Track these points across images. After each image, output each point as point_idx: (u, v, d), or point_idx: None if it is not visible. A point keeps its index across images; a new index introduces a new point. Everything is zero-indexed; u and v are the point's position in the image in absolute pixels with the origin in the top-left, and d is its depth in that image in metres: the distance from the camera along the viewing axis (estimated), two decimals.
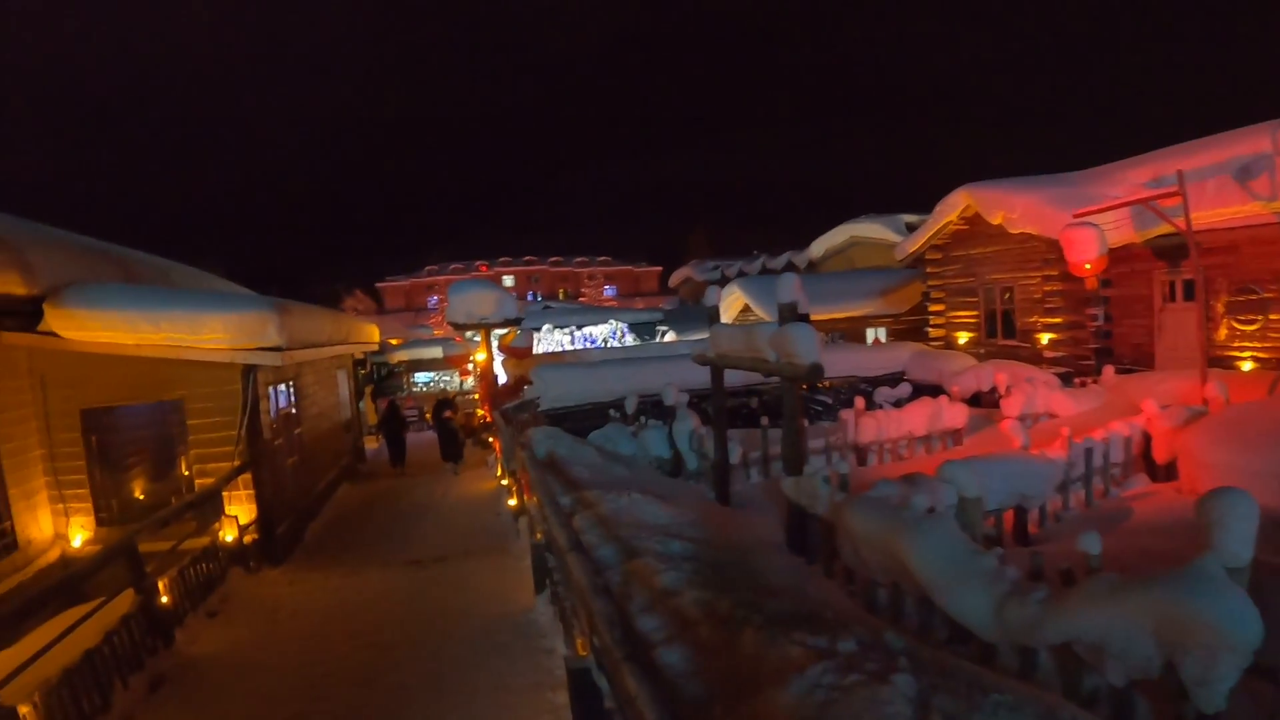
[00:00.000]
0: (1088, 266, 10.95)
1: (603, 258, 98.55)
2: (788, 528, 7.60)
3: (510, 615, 7.29)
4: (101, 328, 8.75)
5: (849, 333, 23.82)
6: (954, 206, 18.11)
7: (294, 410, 12.24)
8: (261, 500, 9.57)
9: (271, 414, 10.65)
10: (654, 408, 14.71)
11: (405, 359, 34.03)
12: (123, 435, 9.59)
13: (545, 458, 9.26)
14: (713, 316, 10.62)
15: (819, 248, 33.65)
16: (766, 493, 10.06)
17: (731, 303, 25.40)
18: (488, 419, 17.87)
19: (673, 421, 12.33)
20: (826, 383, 18.08)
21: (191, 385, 9.63)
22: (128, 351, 8.95)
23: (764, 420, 11.66)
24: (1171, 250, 13.51)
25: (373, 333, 18.79)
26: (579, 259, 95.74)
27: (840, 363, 17.01)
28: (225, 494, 9.23)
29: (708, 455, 11.49)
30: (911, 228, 24.46)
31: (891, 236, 25.91)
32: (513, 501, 10.38)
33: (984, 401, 14.03)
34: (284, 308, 9.73)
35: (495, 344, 18.98)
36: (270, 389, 10.75)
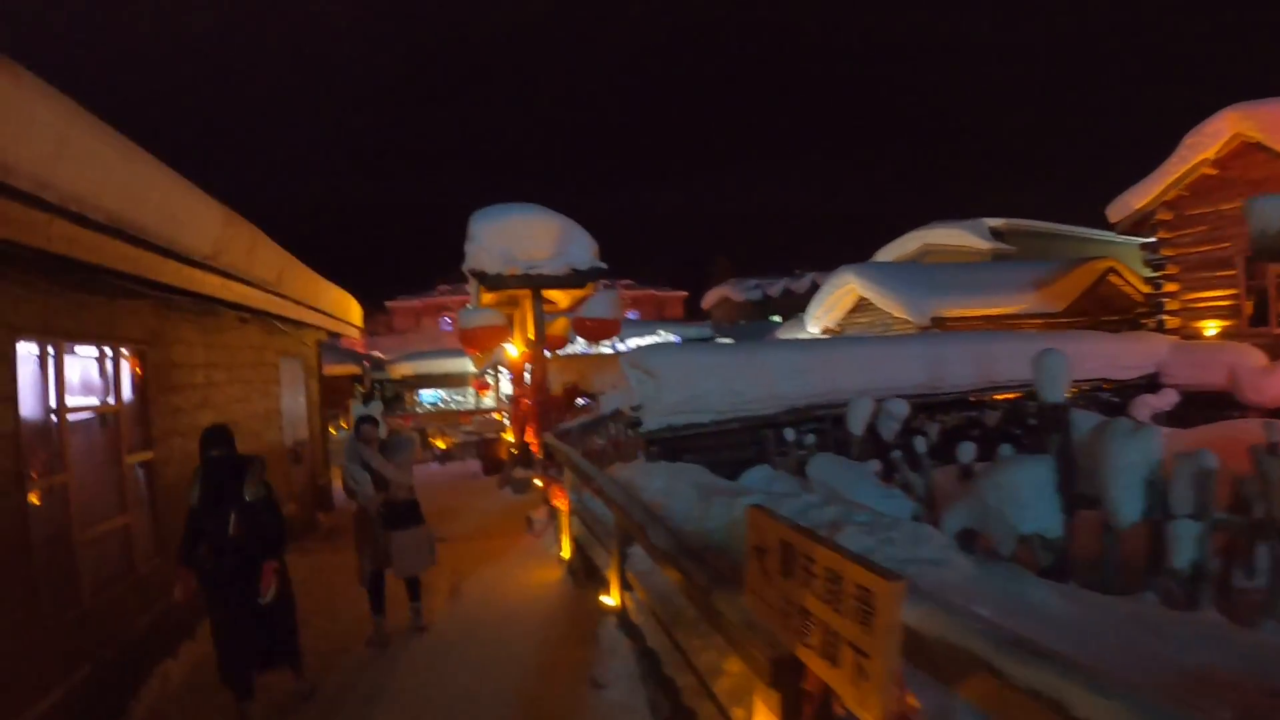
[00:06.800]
0: None
1: (625, 281, 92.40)
2: None
3: None
4: None
5: None
6: (1213, 138, 12.77)
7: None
8: None
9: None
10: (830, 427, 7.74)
11: (410, 373, 27.06)
12: None
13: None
14: None
15: (886, 258, 28.12)
16: None
17: (839, 298, 19.25)
18: (533, 448, 10.78)
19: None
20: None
21: None
22: None
23: None
24: None
25: (348, 306, 11.82)
26: (601, 282, 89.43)
27: (1086, 357, 10.54)
28: None
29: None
30: (997, 233, 21.51)
31: (976, 243, 21.94)
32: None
33: None
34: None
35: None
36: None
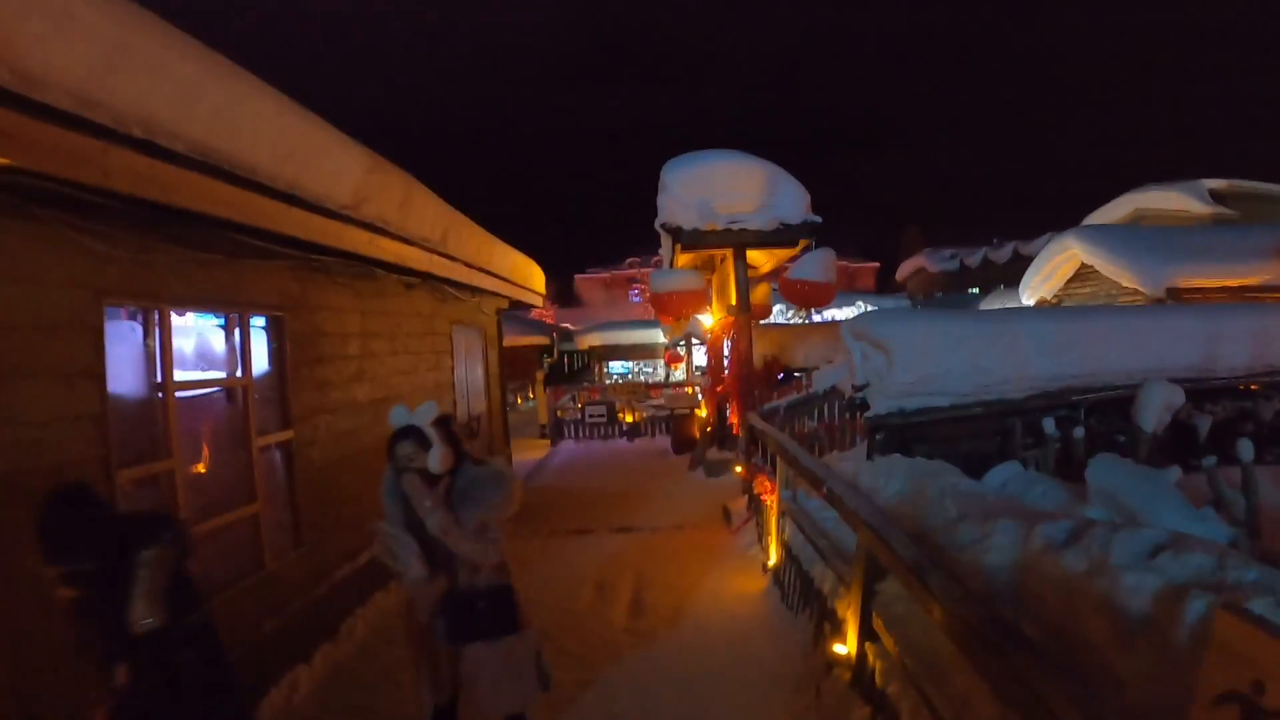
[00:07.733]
0: None
1: None
2: None
3: None
4: None
5: None
6: None
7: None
8: None
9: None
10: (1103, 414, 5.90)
11: (598, 344, 26.67)
12: None
13: None
14: None
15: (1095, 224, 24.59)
16: None
17: (1058, 265, 16.93)
18: (734, 427, 9.53)
19: None
20: None
21: None
22: None
23: None
24: None
25: (529, 272, 11.07)
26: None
27: None
28: None
29: None
30: (1217, 195, 18.67)
31: (1194, 206, 19.12)
32: None
33: None
34: None
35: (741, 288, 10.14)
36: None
